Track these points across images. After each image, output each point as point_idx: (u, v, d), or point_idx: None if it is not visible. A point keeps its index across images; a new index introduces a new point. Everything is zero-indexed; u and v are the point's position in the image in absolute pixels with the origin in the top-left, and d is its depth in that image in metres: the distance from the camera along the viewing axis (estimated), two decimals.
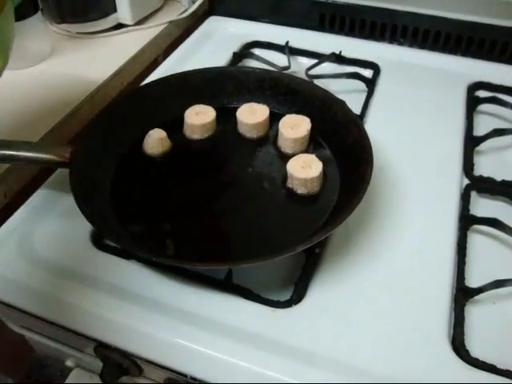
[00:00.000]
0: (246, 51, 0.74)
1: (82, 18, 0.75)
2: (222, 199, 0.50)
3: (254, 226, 0.47)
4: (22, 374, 0.60)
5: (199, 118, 0.55)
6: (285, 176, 0.50)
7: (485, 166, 0.56)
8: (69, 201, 0.52)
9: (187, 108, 0.56)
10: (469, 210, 0.52)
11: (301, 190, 0.48)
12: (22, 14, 0.66)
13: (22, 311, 0.48)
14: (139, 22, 0.79)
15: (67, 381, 0.55)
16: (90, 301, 0.45)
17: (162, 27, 0.79)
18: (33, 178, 0.58)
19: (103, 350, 0.46)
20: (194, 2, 0.82)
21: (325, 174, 0.50)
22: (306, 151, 0.52)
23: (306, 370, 0.39)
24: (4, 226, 0.51)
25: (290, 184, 0.49)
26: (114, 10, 0.76)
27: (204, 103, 0.57)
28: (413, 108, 0.64)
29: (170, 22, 0.80)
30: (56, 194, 0.54)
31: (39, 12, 0.68)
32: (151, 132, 0.53)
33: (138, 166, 0.53)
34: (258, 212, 0.47)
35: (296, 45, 0.74)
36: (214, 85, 0.58)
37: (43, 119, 0.61)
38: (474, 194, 0.53)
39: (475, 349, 0.41)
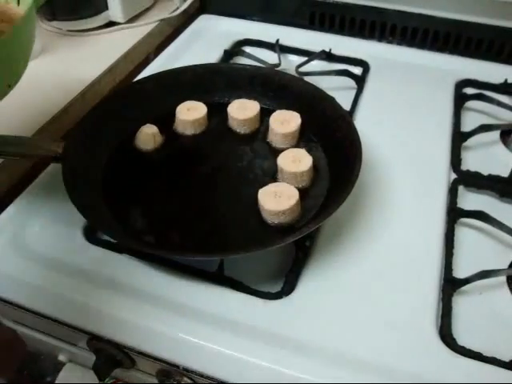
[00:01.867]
0: (236, 49, 0.75)
1: (73, 16, 0.75)
2: (213, 193, 0.50)
3: (245, 219, 0.48)
4: (14, 369, 0.60)
5: (191, 113, 0.55)
6: (275, 170, 0.51)
7: (472, 161, 0.58)
8: (61, 196, 0.52)
9: (179, 104, 0.57)
10: (456, 204, 0.52)
11: (291, 184, 0.49)
12: None
13: (16, 305, 0.48)
14: (131, 20, 0.79)
15: (60, 375, 0.56)
16: (82, 294, 0.45)
17: (154, 25, 0.79)
18: (25, 174, 0.58)
19: (96, 342, 0.47)
20: (185, 1, 0.82)
21: (315, 168, 0.50)
22: (296, 146, 0.53)
23: (296, 359, 0.40)
24: None
25: (280, 178, 0.50)
26: (106, 7, 0.76)
27: (195, 99, 0.57)
28: (401, 105, 0.65)
29: (162, 20, 0.80)
30: (48, 189, 0.54)
31: None
32: (143, 127, 0.54)
33: (130, 161, 0.53)
34: (248, 205, 0.48)
35: (286, 43, 0.74)
36: (205, 81, 0.59)
37: (34, 117, 0.61)
38: (461, 188, 0.54)
39: (462, 337, 0.42)
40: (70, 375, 0.56)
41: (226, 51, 0.73)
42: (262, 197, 0.46)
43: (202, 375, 0.43)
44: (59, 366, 0.57)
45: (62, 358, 0.57)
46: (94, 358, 0.51)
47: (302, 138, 0.54)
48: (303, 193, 0.48)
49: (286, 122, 0.53)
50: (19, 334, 0.58)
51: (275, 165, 0.50)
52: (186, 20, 0.84)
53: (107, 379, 0.54)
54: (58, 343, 0.54)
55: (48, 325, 0.49)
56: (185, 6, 0.82)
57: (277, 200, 0.45)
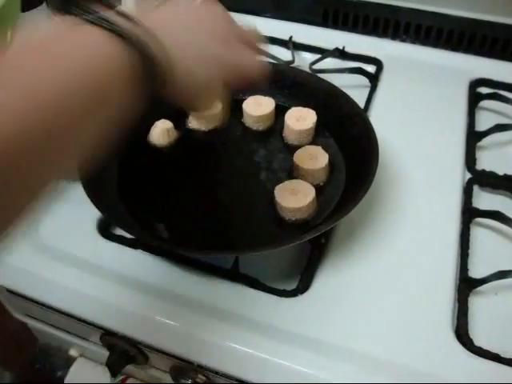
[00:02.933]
0: None
1: None
2: (229, 189, 0.50)
3: (261, 216, 0.47)
4: (25, 363, 0.60)
5: None
6: (291, 167, 0.51)
7: (487, 161, 0.57)
8: (74, 191, 0.53)
9: None
10: (471, 204, 0.52)
11: (307, 181, 0.49)
12: (26, 4, 0.66)
13: (29, 299, 0.48)
14: None
15: (71, 370, 0.56)
16: (97, 288, 0.45)
17: None
18: None
19: (110, 337, 0.47)
20: None
21: (330, 165, 0.50)
22: (312, 143, 0.53)
23: (311, 357, 0.40)
24: None
25: (296, 175, 0.50)
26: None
27: None
28: (415, 103, 0.64)
29: None
30: (62, 183, 0.54)
31: (43, 4, 0.68)
32: (158, 122, 0.54)
33: (145, 157, 0.53)
34: (264, 202, 0.48)
35: (299, 40, 0.74)
36: None
37: None
38: (476, 187, 0.54)
39: (478, 338, 0.42)
40: (81, 370, 0.56)
41: None
42: (279, 194, 0.46)
43: (216, 372, 0.43)
44: (70, 361, 0.57)
45: (72, 352, 0.57)
46: (105, 352, 0.51)
47: (318, 135, 0.54)
48: (319, 190, 0.48)
49: (301, 118, 0.53)
50: (31, 329, 0.58)
51: (291, 162, 0.50)
52: None
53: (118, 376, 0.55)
54: (70, 338, 0.54)
55: (61, 319, 0.49)
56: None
57: (294, 197, 0.45)
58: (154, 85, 0.30)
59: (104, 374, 0.55)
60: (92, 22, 0.28)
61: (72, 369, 0.56)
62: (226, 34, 0.35)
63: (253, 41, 0.38)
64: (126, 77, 0.28)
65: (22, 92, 0.23)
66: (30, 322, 0.55)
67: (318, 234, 0.42)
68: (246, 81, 0.36)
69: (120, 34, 0.28)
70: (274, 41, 0.75)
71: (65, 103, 0.25)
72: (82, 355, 0.57)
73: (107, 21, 0.28)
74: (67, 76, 0.25)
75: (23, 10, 0.66)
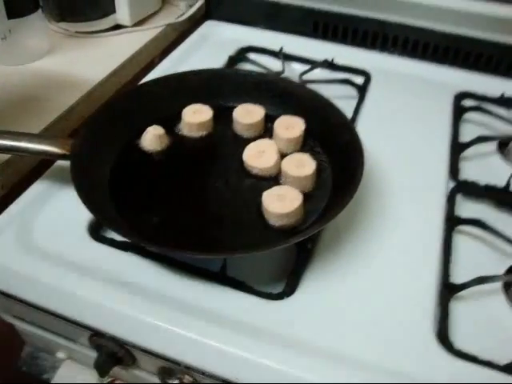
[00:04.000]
0: (241, 55, 0.76)
1: (81, 18, 0.76)
2: (218, 194, 0.51)
3: (249, 221, 0.48)
4: (10, 366, 0.60)
5: (197, 116, 0.56)
6: (279, 174, 0.52)
7: (470, 171, 0.59)
8: (66, 193, 0.54)
9: (185, 106, 0.58)
10: (454, 212, 0.54)
11: (295, 188, 0.50)
12: (22, 10, 0.67)
13: (19, 300, 0.48)
14: (137, 24, 0.80)
15: (58, 372, 0.56)
16: (86, 289, 0.45)
17: (159, 30, 0.81)
18: (30, 171, 0.59)
19: (98, 339, 0.47)
20: (191, 7, 0.84)
21: (317, 172, 0.51)
22: (300, 151, 0.54)
23: (297, 357, 0.41)
24: (2, 215, 0.51)
25: (283, 182, 0.51)
26: (113, 10, 0.77)
27: (201, 103, 0.58)
28: (401, 114, 0.66)
29: (167, 24, 0.82)
30: (53, 186, 0.54)
31: (39, 10, 0.70)
32: (150, 128, 0.55)
33: (136, 162, 0.54)
34: (252, 208, 0.49)
35: (290, 51, 0.76)
36: (211, 85, 0.60)
37: (40, 115, 0.62)
38: (459, 196, 0.56)
39: (458, 341, 0.43)
40: (69, 372, 0.56)
41: (230, 57, 0.74)
42: (267, 199, 0.47)
43: (203, 373, 0.43)
44: (57, 364, 0.57)
45: (60, 355, 0.57)
46: (93, 355, 0.51)
47: (306, 144, 0.55)
48: (306, 196, 0.49)
49: (290, 127, 0.54)
50: (18, 331, 0.58)
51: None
52: (191, 25, 0.86)
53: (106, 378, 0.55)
54: (58, 339, 0.54)
55: (50, 320, 0.50)
56: (190, 12, 0.83)
57: (281, 202, 0.46)
58: None
59: (91, 377, 0.55)
60: None
61: (59, 371, 0.56)
62: None
63: None
64: None
65: None
66: (18, 324, 0.56)
67: (305, 237, 0.43)
68: None
69: None
70: (264, 51, 0.77)
71: None
72: (69, 358, 0.57)
73: None
74: None
75: (19, 16, 0.67)
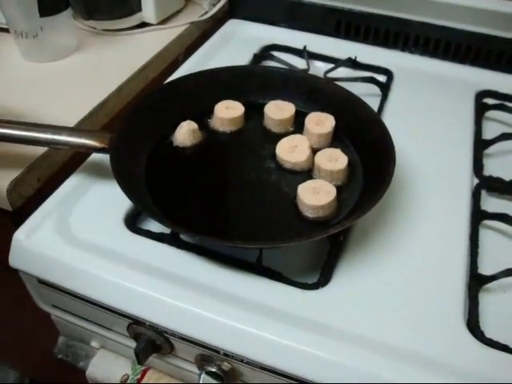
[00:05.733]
0: (265, 53, 0.77)
1: (108, 16, 0.78)
2: (252, 187, 0.53)
3: (284, 213, 0.50)
4: (45, 354, 0.62)
5: (229, 112, 0.58)
6: (311, 168, 0.53)
7: (493, 167, 0.60)
8: (101, 186, 0.55)
9: (216, 102, 0.59)
10: (480, 207, 0.55)
11: (327, 182, 0.51)
12: (53, 9, 0.69)
13: (59, 289, 0.50)
14: (162, 22, 0.82)
15: (93, 360, 0.58)
16: (126, 278, 0.47)
17: (184, 28, 0.82)
18: (64, 164, 0.61)
19: (136, 327, 0.49)
20: (214, 5, 0.85)
21: (349, 167, 0.53)
22: (330, 146, 0.55)
23: (332, 344, 0.42)
24: (41, 207, 0.53)
25: (316, 176, 0.52)
26: (139, 9, 0.79)
27: (232, 98, 0.60)
28: (424, 112, 0.68)
29: (191, 23, 0.83)
30: (89, 179, 0.56)
31: (69, 8, 0.71)
32: (183, 123, 0.56)
33: (171, 156, 0.56)
34: (286, 200, 0.50)
35: (312, 49, 0.77)
36: (241, 81, 0.61)
37: (71, 110, 0.64)
38: (483, 192, 0.57)
39: (488, 331, 0.44)
40: (103, 361, 0.57)
41: (255, 55, 0.76)
42: (302, 192, 0.48)
43: (242, 360, 0.45)
44: (91, 353, 0.59)
45: (94, 344, 0.59)
46: (128, 343, 0.53)
47: (336, 139, 0.57)
48: (338, 190, 0.50)
49: (320, 123, 0.56)
50: (54, 321, 0.60)
51: (311, 163, 0.53)
52: (214, 24, 0.87)
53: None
54: (93, 328, 0.56)
55: (88, 309, 0.51)
56: (214, 10, 0.85)
57: (316, 195, 0.48)
58: None
59: (125, 365, 0.57)
60: None
61: (94, 359, 0.58)
62: None
63: None
64: None
65: None
66: (56, 313, 0.57)
67: (341, 229, 0.44)
68: None
69: None
70: (288, 49, 0.79)
71: None
72: (103, 347, 0.59)
73: None
74: None
75: (50, 14, 0.69)
